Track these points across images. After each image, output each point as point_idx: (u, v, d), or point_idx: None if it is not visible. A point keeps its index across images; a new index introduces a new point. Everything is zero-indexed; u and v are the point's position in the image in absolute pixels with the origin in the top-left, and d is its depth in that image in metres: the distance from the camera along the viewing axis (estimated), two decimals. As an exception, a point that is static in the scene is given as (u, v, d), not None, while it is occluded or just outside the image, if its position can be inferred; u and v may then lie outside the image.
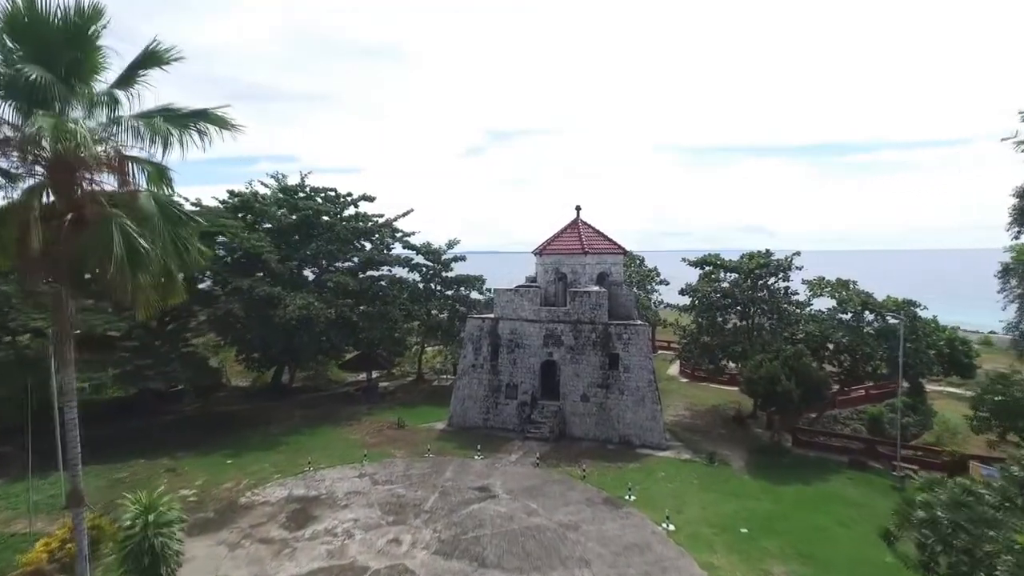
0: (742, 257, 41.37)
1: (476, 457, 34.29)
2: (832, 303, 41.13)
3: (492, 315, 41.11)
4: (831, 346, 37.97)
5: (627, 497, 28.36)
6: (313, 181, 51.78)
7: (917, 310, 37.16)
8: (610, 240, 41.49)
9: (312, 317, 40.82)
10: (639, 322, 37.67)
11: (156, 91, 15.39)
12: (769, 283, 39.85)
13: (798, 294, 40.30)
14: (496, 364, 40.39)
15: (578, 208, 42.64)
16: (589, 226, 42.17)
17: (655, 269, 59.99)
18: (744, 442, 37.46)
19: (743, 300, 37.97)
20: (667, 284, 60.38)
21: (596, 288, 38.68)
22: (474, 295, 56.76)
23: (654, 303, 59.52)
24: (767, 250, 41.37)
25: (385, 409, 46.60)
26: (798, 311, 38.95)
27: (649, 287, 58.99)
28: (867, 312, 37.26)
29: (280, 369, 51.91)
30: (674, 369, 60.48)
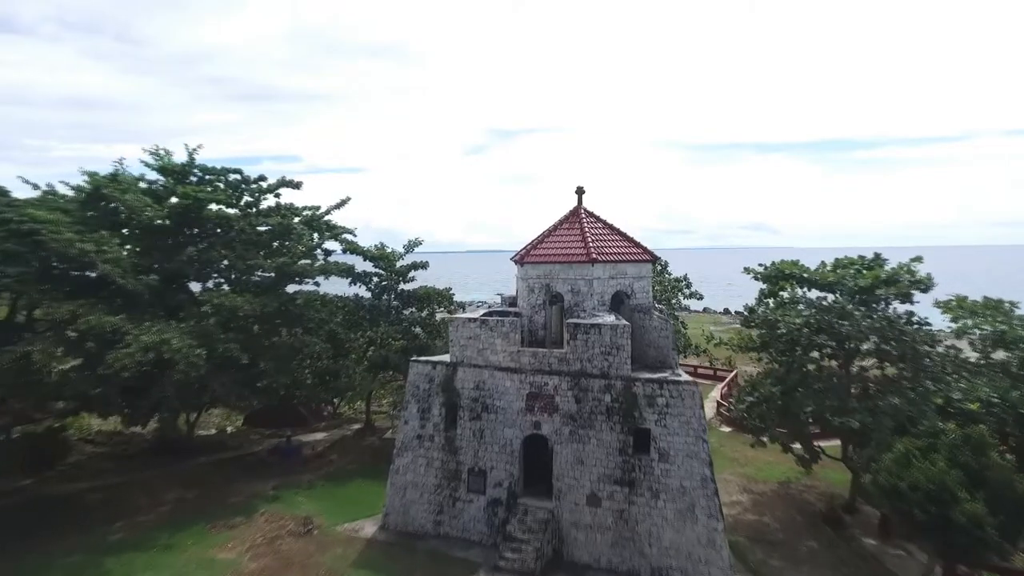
0: (840, 267, 26.60)
1: (405, 621, 19.69)
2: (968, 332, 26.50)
3: (447, 358, 26.40)
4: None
5: None
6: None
7: None
8: (630, 240, 26.72)
9: (171, 361, 26.19)
10: (683, 376, 22.88)
11: None
12: (884, 307, 25.01)
13: (930, 324, 25.48)
14: (453, 436, 25.68)
15: (580, 191, 27.87)
16: (597, 219, 27.40)
17: (684, 278, 45.28)
18: (856, 573, 22.75)
19: (853, 336, 23.06)
20: (700, 298, 45.64)
21: (611, 319, 23.91)
22: (441, 315, 42.20)
23: (682, 321, 44.75)
24: (877, 254, 26.64)
25: (301, 487, 31.98)
26: (932, 350, 23.95)
27: (675, 301, 44.43)
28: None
29: (169, 419, 37.27)
30: (708, 409, 45.67)
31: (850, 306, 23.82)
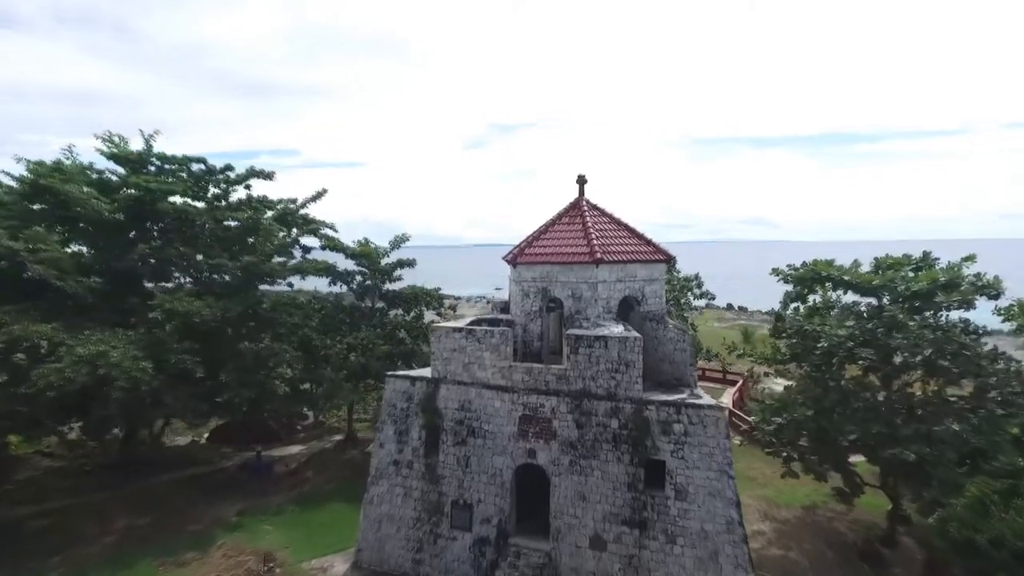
0: (882, 267, 23.03)
1: None
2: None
3: (428, 374, 22.90)
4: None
5: None
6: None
7: None
8: (640, 236, 23.16)
9: (108, 379, 22.70)
10: (704, 398, 19.43)
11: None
12: (935, 315, 21.45)
13: (989, 333, 21.97)
14: (434, 463, 22.24)
15: (582, 181, 24.30)
16: (602, 212, 23.84)
17: (695, 277, 41.61)
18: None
19: (906, 349, 19.51)
20: (713, 299, 42.11)
21: (619, 329, 20.42)
22: (431, 317, 38.75)
23: (692, 323, 41.16)
24: (926, 252, 23.16)
25: (268, 512, 28.65)
26: (997, 367, 20.40)
27: (684, 301, 40.82)
28: None
29: (129, 433, 33.85)
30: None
31: (901, 315, 20.25)
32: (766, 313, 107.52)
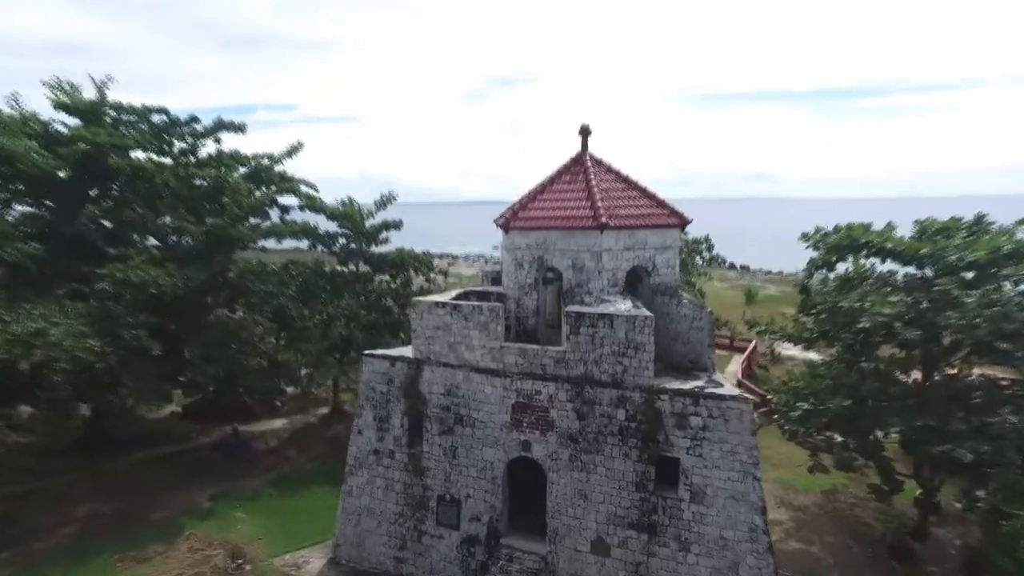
0: (927, 232, 20.12)
1: None
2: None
3: (410, 353, 20.28)
4: None
5: None
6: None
7: None
8: (651, 197, 20.15)
9: (50, 359, 20.11)
10: (726, 387, 16.87)
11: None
12: (997, 288, 18.59)
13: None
14: (418, 454, 19.85)
15: (585, 132, 21.03)
16: (608, 169, 20.70)
17: (705, 239, 38.62)
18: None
19: (956, 328, 16.75)
20: (723, 263, 39.23)
21: (626, 306, 17.67)
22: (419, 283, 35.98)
23: (699, 289, 38.38)
24: (979, 215, 20.16)
25: (243, 496, 26.58)
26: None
27: (692, 266, 37.92)
28: None
29: (98, 409, 31.51)
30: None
31: (956, 290, 17.45)
32: (768, 273, 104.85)
